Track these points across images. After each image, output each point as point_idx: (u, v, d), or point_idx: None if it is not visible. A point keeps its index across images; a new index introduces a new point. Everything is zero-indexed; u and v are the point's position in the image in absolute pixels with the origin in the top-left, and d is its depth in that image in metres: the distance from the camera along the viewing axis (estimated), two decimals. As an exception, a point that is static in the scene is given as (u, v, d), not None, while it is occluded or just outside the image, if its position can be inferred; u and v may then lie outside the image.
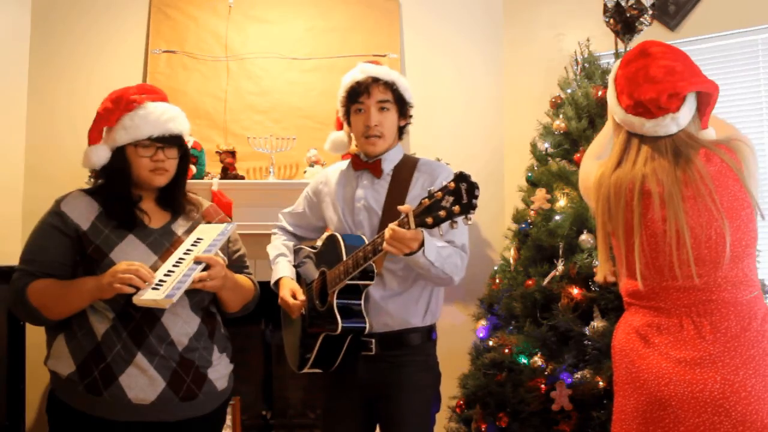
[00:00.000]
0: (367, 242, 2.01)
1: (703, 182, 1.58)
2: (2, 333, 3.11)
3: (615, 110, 1.71)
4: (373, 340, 2.10)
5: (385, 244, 1.85)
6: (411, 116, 2.26)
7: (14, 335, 3.15)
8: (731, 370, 1.52)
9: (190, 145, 2.10)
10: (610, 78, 1.75)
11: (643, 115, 1.63)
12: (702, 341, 1.56)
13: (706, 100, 1.67)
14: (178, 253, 1.85)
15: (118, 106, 1.88)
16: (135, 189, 1.93)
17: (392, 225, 1.84)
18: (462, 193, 1.69)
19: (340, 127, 2.36)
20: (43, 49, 3.66)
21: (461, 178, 1.70)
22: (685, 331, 1.58)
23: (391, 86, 2.16)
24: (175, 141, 1.92)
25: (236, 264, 2.06)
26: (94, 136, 1.91)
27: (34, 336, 3.11)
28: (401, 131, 2.25)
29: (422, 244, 1.90)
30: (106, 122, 1.90)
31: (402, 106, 2.20)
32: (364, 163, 2.22)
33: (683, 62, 1.65)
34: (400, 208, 1.84)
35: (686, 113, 1.63)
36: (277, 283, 2.27)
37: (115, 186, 1.91)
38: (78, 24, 3.69)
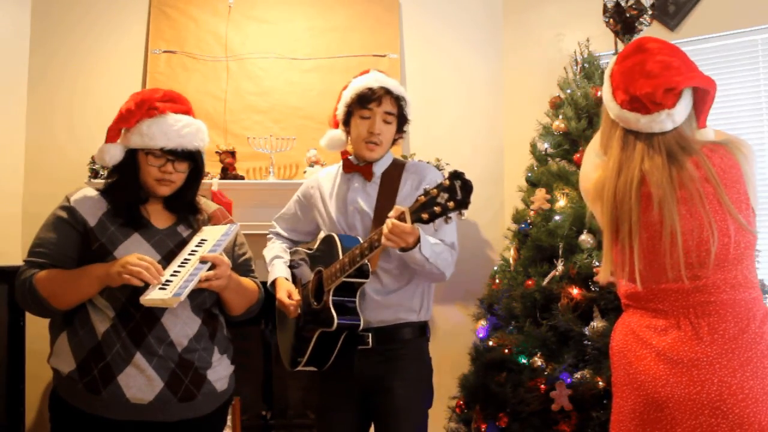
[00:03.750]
0: (364, 241, 2.06)
1: (694, 185, 1.56)
2: (2, 333, 3.11)
3: (610, 106, 1.68)
4: (370, 334, 2.16)
5: (383, 239, 1.92)
6: (405, 131, 2.36)
7: (14, 335, 3.15)
8: (729, 372, 1.51)
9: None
10: (606, 74, 1.72)
11: (638, 110, 1.61)
12: (699, 343, 1.55)
13: (702, 98, 1.65)
14: (183, 253, 1.86)
15: (140, 109, 1.87)
16: (143, 190, 1.93)
17: (391, 219, 1.90)
18: (456, 190, 1.76)
19: (335, 126, 2.38)
20: (43, 49, 3.66)
21: (456, 175, 1.78)
22: (682, 333, 1.57)
23: (399, 101, 2.24)
24: (187, 155, 1.91)
25: (242, 267, 2.06)
26: (112, 135, 1.90)
27: (34, 336, 3.12)
28: (393, 142, 2.34)
29: (418, 240, 1.98)
30: (126, 123, 1.89)
31: (401, 122, 2.29)
32: (355, 166, 2.29)
33: (680, 58, 1.64)
34: (397, 208, 1.91)
35: (682, 110, 1.61)
36: (273, 284, 2.31)
37: (124, 185, 1.91)
38: (78, 24, 3.69)
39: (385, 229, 1.92)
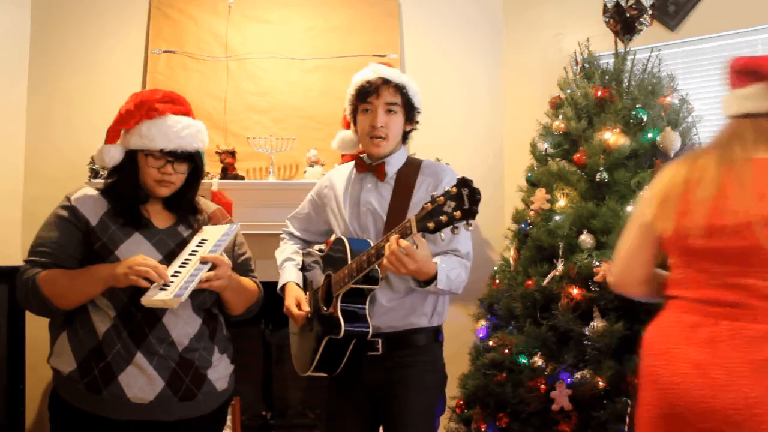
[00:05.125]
0: (372, 246, 1.99)
1: (739, 170, 1.55)
2: (2, 333, 3.12)
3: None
4: (380, 341, 2.09)
5: (384, 260, 1.85)
6: (417, 122, 2.24)
7: (14, 335, 3.15)
8: (750, 382, 1.45)
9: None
10: None
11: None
12: (721, 345, 1.50)
13: None
14: (183, 254, 1.86)
15: (140, 110, 1.87)
16: (142, 191, 1.93)
17: (394, 237, 1.83)
18: (464, 199, 1.69)
19: (347, 127, 2.34)
20: (43, 50, 3.66)
21: (463, 183, 1.70)
22: (707, 333, 1.53)
23: (401, 89, 2.14)
24: (186, 157, 1.91)
25: (241, 267, 2.06)
26: (111, 135, 1.90)
27: (34, 335, 3.12)
28: (406, 136, 2.24)
29: (435, 276, 1.93)
30: (125, 124, 1.88)
31: (409, 111, 2.18)
32: (368, 165, 2.20)
33: None
34: (402, 224, 1.84)
35: (755, 97, 1.60)
36: (283, 288, 2.26)
37: (124, 186, 1.91)
38: (78, 24, 3.69)
39: (386, 251, 1.83)
